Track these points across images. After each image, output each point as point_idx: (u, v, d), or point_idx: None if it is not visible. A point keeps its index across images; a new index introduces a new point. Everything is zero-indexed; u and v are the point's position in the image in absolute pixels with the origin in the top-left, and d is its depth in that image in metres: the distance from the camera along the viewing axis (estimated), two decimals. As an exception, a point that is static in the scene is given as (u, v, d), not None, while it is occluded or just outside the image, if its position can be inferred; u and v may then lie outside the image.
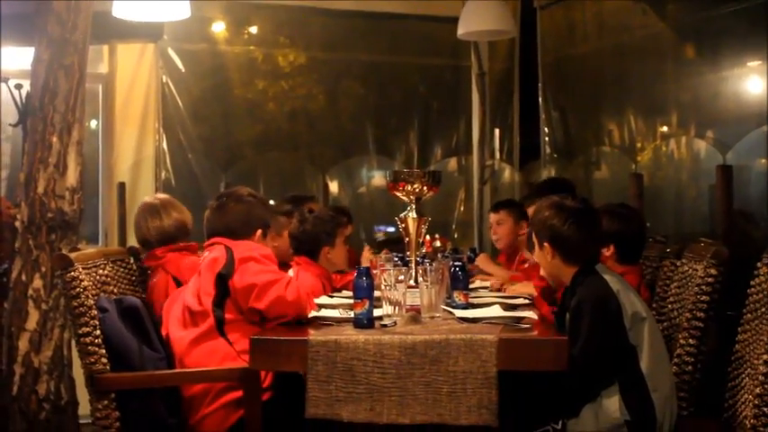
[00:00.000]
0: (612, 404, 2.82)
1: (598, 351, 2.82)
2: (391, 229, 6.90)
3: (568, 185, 4.48)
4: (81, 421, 4.45)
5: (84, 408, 3.65)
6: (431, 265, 3.28)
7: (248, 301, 3.24)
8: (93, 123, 6.15)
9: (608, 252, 3.55)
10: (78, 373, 3.79)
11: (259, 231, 3.55)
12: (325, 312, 3.27)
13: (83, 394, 3.71)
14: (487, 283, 4.45)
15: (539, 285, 3.40)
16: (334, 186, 7.03)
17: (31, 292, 4.29)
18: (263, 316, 3.27)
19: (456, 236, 7.27)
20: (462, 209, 7.40)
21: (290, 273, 3.90)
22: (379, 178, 7.18)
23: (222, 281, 3.27)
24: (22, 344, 4.28)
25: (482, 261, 5.00)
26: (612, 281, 2.94)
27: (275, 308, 3.23)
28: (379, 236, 6.45)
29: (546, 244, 3.04)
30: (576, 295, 2.91)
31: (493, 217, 5.32)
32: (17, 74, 5.08)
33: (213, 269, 3.30)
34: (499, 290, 4.18)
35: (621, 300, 2.87)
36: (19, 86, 4.81)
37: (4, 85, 4.92)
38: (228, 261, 3.30)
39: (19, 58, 5.30)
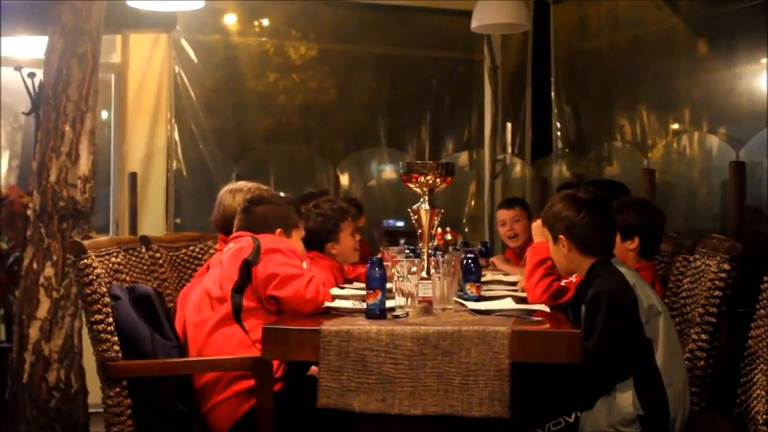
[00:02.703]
0: (626, 398, 2.80)
1: (613, 343, 2.80)
2: (401, 223, 6.89)
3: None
4: (92, 410, 4.46)
5: (95, 396, 3.66)
6: (443, 256, 3.27)
7: (267, 289, 3.24)
8: (104, 114, 6.16)
9: (632, 245, 3.53)
10: (88, 361, 3.81)
11: (278, 231, 3.56)
12: (337, 303, 3.27)
13: (93, 383, 3.73)
14: (514, 278, 4.41)
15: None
16: (344, 179, 7.02)
17: (42, 280, 4.31)
18: (279, 307, 3.27)
19: (467, 230, 7.27)
20: (473, 203, 7.39)
21: (303, 265, 3.90)
22: (389, 171, 7.18)
23: (247, 267, 3.27)
24: (33, 332, 4.30)
25: (499, 262, 5.01)
26: (628, 274, 2.92)
27: (292, 302, 3.23)
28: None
29: (561, 236, 3.02)
30: (593, 287, 2.89)
31: (507, 214, 5.28)
32: (30, 62, 5.08)
33: (239, 257, 3.30)
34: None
35: (638, 293, 2.85)
36: (32, 75, 4.82)
37: (17, 73, 4.93)
38: (255, 250, 3.30)
39: (32, 46, 5.31)
